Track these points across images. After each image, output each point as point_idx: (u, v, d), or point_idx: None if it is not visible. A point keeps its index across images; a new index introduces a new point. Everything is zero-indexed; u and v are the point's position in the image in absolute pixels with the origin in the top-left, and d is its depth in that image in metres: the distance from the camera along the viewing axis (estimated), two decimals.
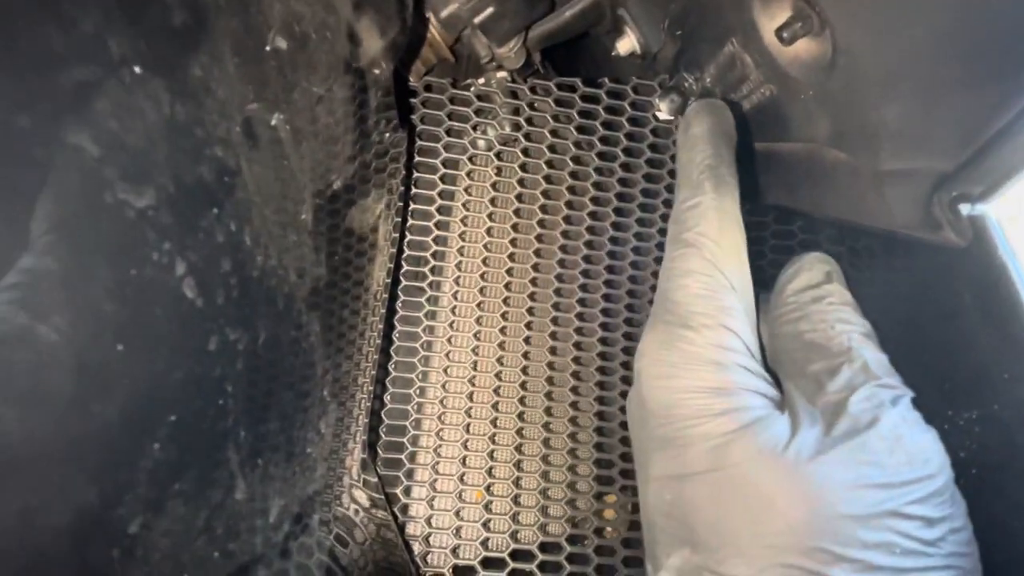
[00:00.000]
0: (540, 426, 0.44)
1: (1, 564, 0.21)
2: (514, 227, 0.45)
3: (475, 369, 0.44)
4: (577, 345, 0.45)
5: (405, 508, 0.43)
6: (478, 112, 0.45)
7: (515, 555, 0.43)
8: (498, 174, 0.45)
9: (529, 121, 0.45)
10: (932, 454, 0.30)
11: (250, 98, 0.29)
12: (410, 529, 0.43)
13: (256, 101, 0.29)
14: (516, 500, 0.44)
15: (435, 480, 0.43)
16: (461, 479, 0.43)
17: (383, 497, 0.42)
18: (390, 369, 0.43)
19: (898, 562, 0.28)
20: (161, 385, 0.25)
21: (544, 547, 0.43)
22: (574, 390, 0.45)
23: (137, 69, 0.22)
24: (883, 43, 0.30)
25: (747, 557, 0.29)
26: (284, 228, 0.32)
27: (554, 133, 0.45)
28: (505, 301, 0.44)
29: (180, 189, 0.25)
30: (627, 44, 0.44)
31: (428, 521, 0.43)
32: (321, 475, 0.41)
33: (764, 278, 0.41)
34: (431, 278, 0.44)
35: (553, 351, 0.45)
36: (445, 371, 0.44)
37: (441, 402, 0.44)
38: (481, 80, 0.44)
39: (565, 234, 0.45)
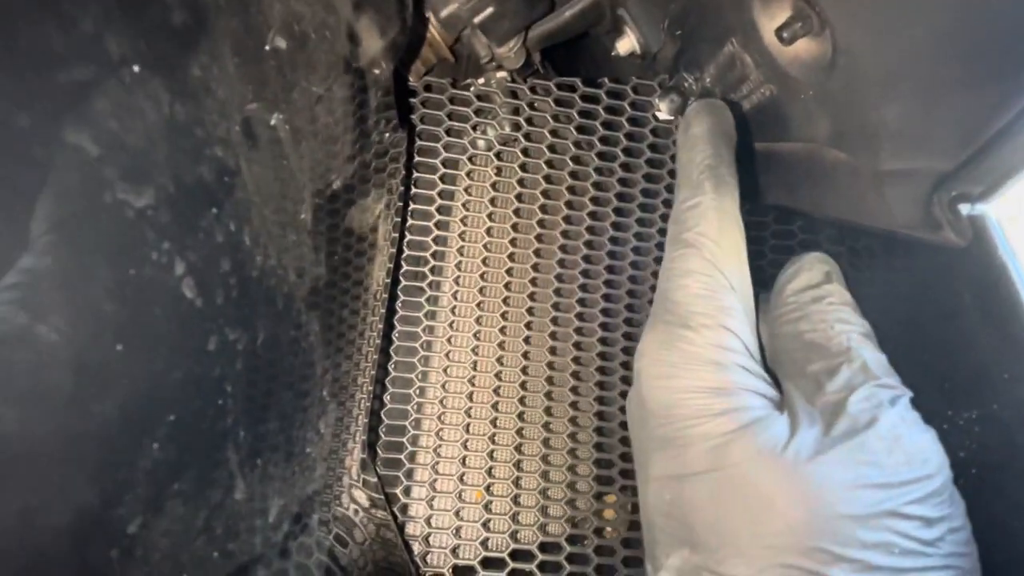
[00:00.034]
0: (540, 426, 0.44)
1: (0, 564, 0.21)
2: (514, 227, 0.45)
3: (475, 369, 0.44)
4: (577, 345, 0.45)
5: (405, 508, 0.43)
6: (478, 112, 0.45)
7: (515, 555, 0.43)
8: (498, 174, 0.45)
9: (529, 121, 0.45)
10: (931, 454, 0.30)
11: (250, 98, 0.29)
12: (410, 529, 0.43)
13: (256, 101, 0.29)
14: (516, 500, 0.43)
15: (435, 480, 0.43)
16: (461, 479, 0.43)
17: (383, 497, 0.42)
18: (390, 369, 0.43)
19: (897, 562, 0.28)
20: (160, 385, 0.25)
21: (544, 547, 0.43)
22: (574, 390, 0.44)
23: (137, 69, 0.22)
24: (883, 43, 0.30)
25: (746, 557, 0.29)
26: (283, 228, 0.32)
27: (554, 133, 0.45)
28: (505, 301, 0.44)
29: (179, 189, 0.25)
30: (627, 44, 0.44)
31: (428, 521, 0.43)
32: (320, 475, 0.41)
33: (764, 278, 0.41)
34: (431, 278, 0.44)
35: (553, 351, 0.45)
36: (445, 371, 0.44)
37: (441, 402, 0.44)
38: (481, 80, 0.44)
39: (565, 234, 0.45)
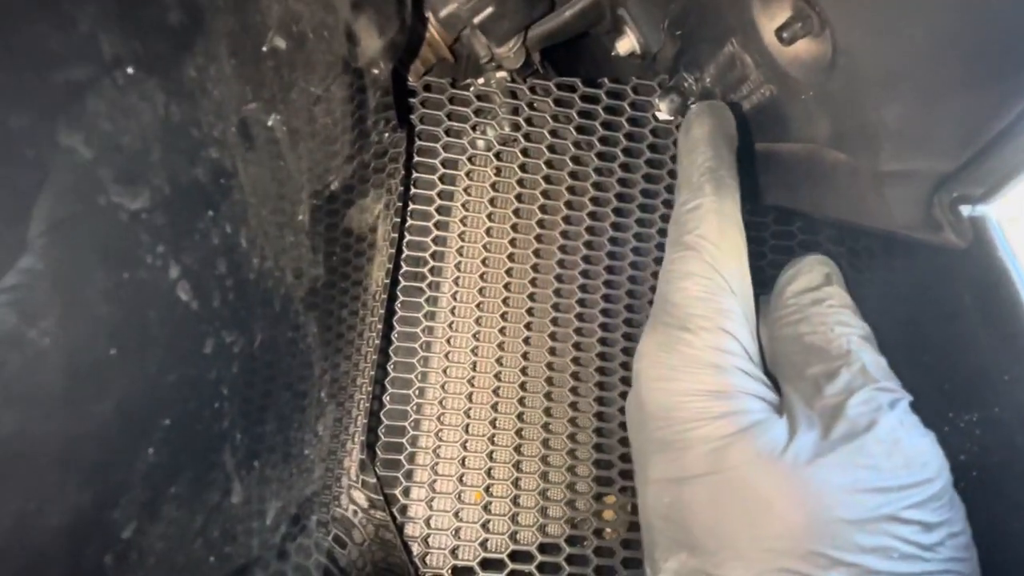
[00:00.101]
0: (539, 426, 0.44)
1: None
2: (513, 227, 0.45)
3: (474, 369, 0.44)
4: (576, 345, 0.45)
5: (404, 509, 0.43)
6: (477, 112, 0.44)
7: (514, 556, 0.43)
8: (497, 174, 0.45)
9: (528, 121, 0.45)
10: (930, 458, 0.30)
11: (247, 98, 0.28)
12: (409, 530, 0.43)
13: (253, 101, 0.29)
14: (515, 501, 0.43)
15: (434, 481, 0.43)
16: (460, 480, 0.43)
17: (382, 498, 0.42)
18: (389, 369, 0.43)
19: (895, 567, 0.28)
20: (156, 388, 0.25)
21: (543, 548, 0.43)
22: (573, 390, 0.44)
23: (131, 69, 0.22)
24: (883, 43, 0.30)
25: (745, 560, 0.29)
26: (281, 229, 0.32)
27: (553, 133, 0.45)
28: (504, 301, 0.44)
29: (175, 191, 0.25)
30: (627, 44, 0.44)
31: (427, 522, 0.43)
32: (319, 476, 0.41)
33: (764, 279, 0.41)
34: (430, 278, 0.44)
35: (552, 351, 0.45)
36: (444, 371, 0.44)
37: (440, 402, 0.44)
38: (480, 80, 0.44)
39: (564, 234, 0.45)
